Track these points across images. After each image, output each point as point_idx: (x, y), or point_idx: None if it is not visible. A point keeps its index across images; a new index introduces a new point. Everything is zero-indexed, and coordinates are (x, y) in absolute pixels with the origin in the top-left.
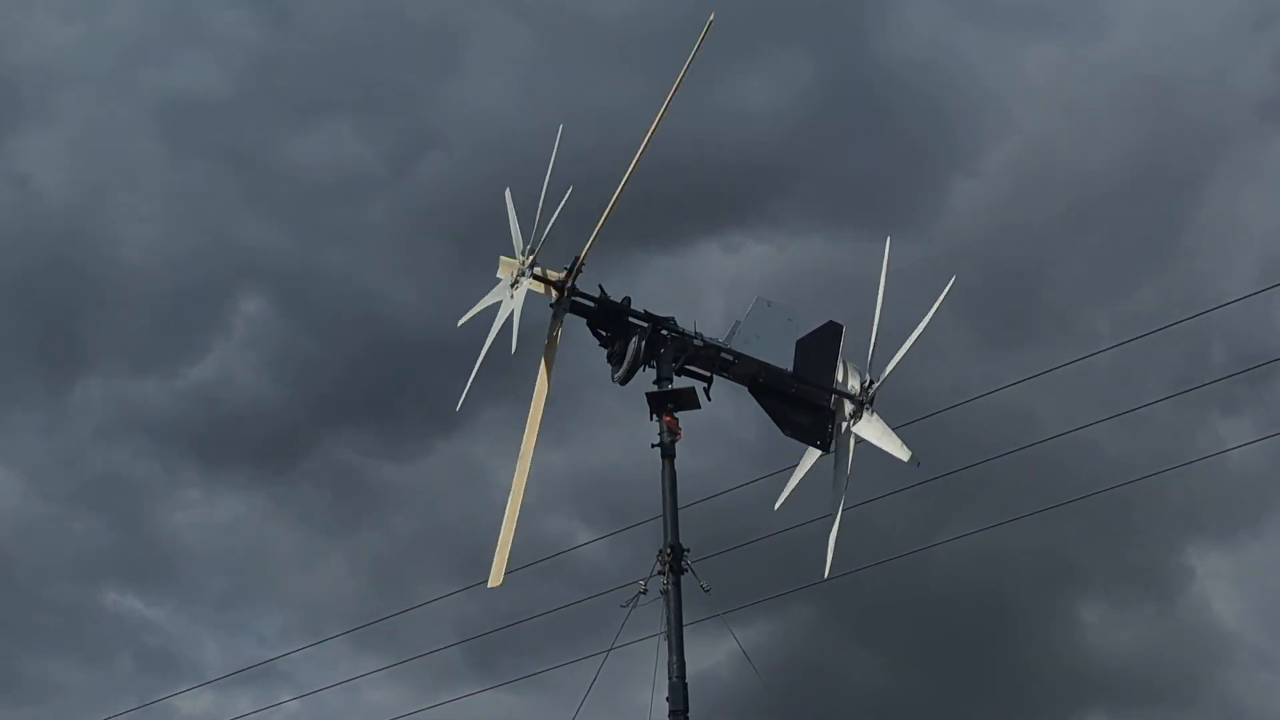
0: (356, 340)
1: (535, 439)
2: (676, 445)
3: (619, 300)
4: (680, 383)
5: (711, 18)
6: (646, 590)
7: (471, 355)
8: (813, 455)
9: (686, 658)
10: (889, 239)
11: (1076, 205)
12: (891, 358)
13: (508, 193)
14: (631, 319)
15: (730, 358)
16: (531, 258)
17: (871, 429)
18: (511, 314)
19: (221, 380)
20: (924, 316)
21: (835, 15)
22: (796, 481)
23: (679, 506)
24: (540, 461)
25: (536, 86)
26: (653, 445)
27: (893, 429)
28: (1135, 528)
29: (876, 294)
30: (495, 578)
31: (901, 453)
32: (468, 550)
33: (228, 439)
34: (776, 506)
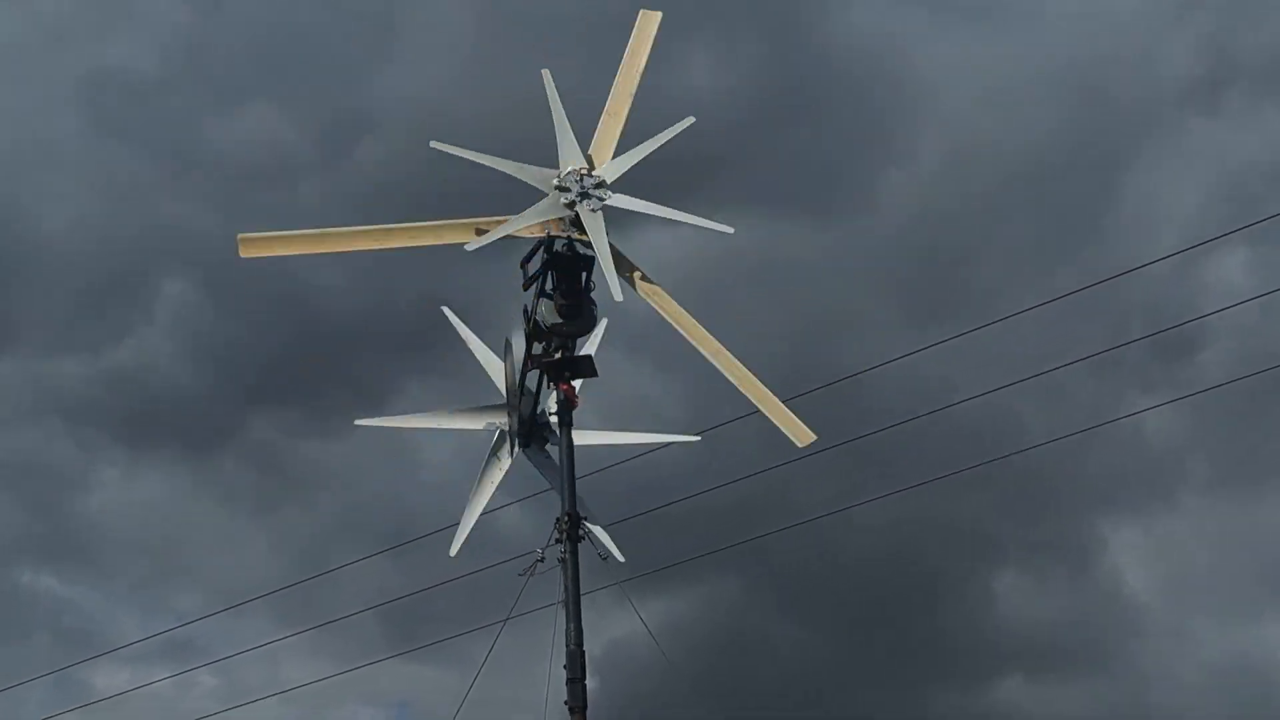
0: (282, 322)
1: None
2: (574, 414)
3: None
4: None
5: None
6: (544, 558)
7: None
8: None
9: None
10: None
11: (1003, 188)
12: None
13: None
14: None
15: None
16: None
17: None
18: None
19: (143, 362)
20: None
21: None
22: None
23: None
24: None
25: (471, 70)
26: (550, 414)
27: None
28: (1051, 501)
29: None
30: None
31: None
32: (392, 527)
33: (150, 420)
34: (452, 553)
